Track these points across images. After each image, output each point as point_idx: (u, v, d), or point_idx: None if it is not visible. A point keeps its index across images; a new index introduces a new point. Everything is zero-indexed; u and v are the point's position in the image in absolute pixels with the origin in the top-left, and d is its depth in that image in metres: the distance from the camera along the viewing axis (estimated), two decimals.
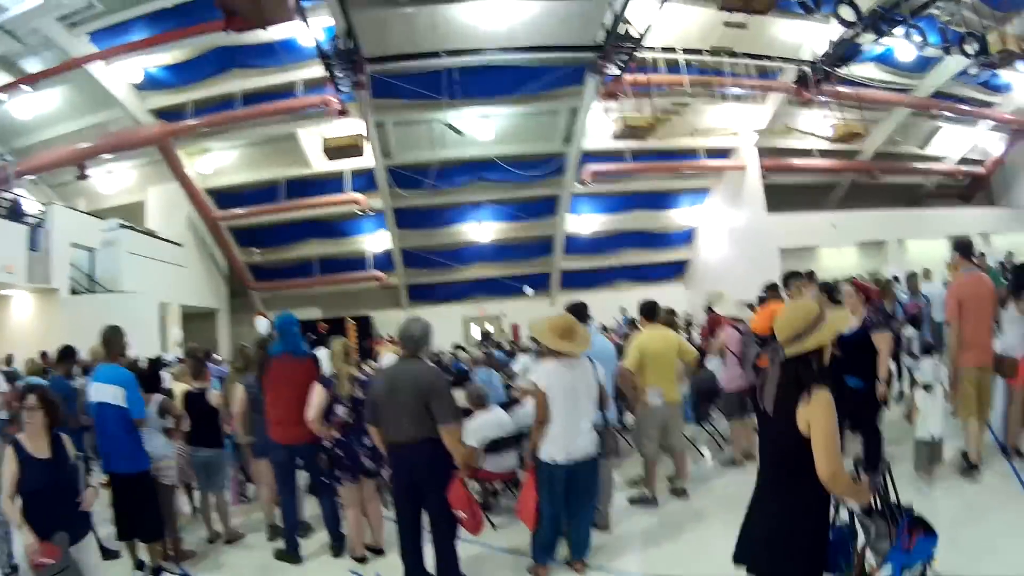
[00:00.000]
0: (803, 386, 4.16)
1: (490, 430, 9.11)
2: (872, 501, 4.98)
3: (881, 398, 8.54)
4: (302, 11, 17.52)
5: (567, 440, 6.83)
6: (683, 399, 10.31)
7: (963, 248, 9.26)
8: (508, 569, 7.47)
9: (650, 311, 9.61)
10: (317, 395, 7.70)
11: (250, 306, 30.96)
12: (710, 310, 17.41)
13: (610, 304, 27.94)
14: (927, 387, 8.64)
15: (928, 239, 35.32)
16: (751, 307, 14.79)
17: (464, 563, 6.87)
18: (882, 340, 8.43)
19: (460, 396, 9.30)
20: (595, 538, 7.63)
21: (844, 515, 4.81)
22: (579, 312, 8.13)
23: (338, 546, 8.17)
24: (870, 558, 4.92)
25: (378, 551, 7.99)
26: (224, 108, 24.00)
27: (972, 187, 42.60)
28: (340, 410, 7.78)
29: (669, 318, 10.89)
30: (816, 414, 4.06)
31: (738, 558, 4.63)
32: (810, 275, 12.53)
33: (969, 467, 8.49)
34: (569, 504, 6.99)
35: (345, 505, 7.99)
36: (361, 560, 7.84)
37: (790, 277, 9.91)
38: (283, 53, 23.09)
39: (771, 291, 11.45)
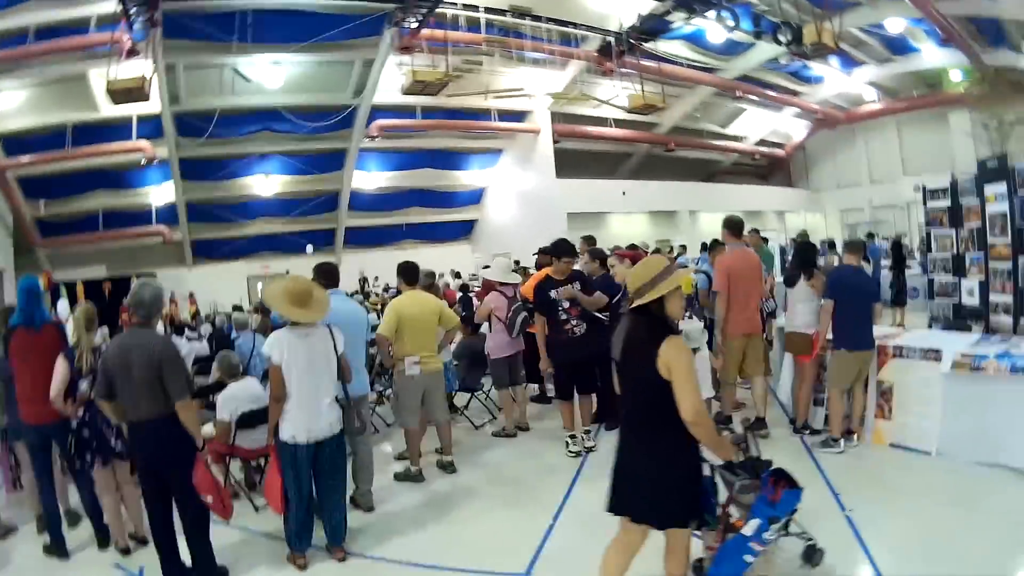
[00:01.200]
0: (654, 334, 4.43)
1: (242, 403, 8.24)
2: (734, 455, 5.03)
3: None
4: None
5: (307, 418, 6.32)
6: (447, 367, 9.95)
7: (732, 225, 9.95)
8: (267, 556, 6.76)
9: (409, 274, 8.94)
10: (59, 369, 6.74)
11: (37, 265, 28.29)
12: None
13: (395, 263, 27.25)
14: (695, 350, 8.36)
15: (720, 212, 36.13)
16: (522, 271, 14.46)
17: (223, 549, 6.42)
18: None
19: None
20: (357, 520, 7.31)
21: (705, 470, 4.79)
22: (328, 274, 7.71)
23: (102, 537, 7.19)
24: (734, 512, 5.03)
25: (143, 541, 7.06)
26: (17, 43, 21.46)
27: (770, 168, 45.79)
28: (83, 385, 6.83)
29: (429, 281, 10.55)
30: (673, 356, 4.33)
31: (615, 509, 4.75)
32: (589, 239, 12.61)
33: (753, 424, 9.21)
34: (318, 487, 6.58)
35: (100, 492, 7.06)
36: (125, 552, 6.96)
37: (563, 249, 9.38)
38: None
39: (543, 255, 11.18)
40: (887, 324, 14.75)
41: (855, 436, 8.91)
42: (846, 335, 8.66)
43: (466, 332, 12.02)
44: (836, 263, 14.66)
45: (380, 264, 22.09)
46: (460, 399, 12.00)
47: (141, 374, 5.67)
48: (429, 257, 30.74)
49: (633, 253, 9.78)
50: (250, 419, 8.15)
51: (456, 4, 22.40)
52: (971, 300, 12.02)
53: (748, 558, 4.92)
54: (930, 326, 12.88)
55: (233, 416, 8.09)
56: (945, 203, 12.75)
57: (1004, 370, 7.70)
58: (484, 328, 11.41)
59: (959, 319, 11.99)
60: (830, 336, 8.97)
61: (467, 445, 10.13)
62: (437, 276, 26.05)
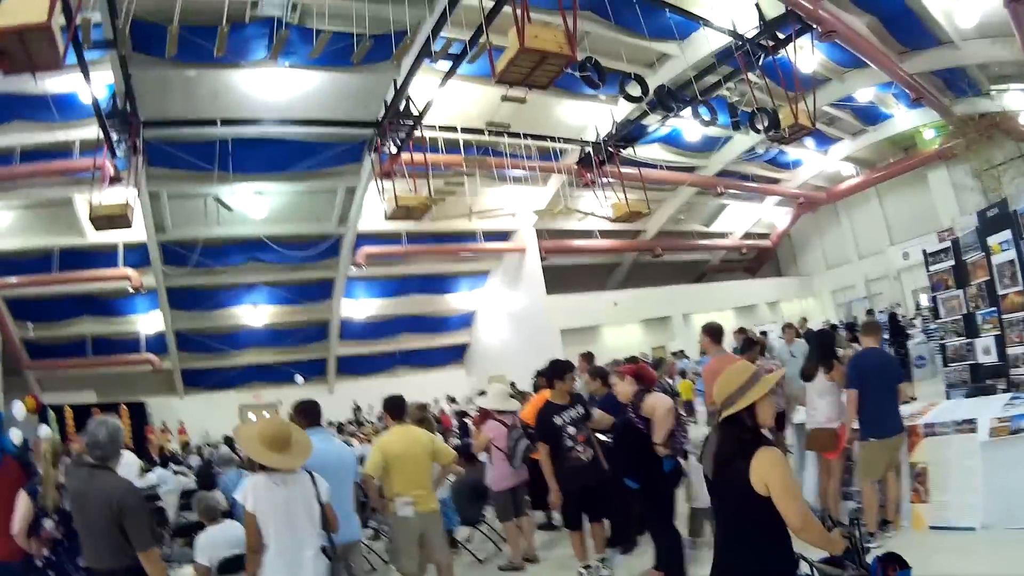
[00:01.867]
0: (745, 447, 4.20)
1: (220, 548, 7.77)
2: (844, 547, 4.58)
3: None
4: (84, 64, 16.09)
5: (289, 571, 5.87)
6: (445, 503, 9.69)
7: (712, 332, 10.26)
8: None
9: (395, 408, 8.51)
10: (21, 504, 6.46)
11: (25, 387, 27.92)
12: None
13: (389, 391, 27.01)
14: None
15: (714, 312, 36.49)
16: (520, 395, 14.23)
17: None
18: (655, 406, 8.15)
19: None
20: None
21: (803, 567, 4.51)
22: (308, 412, 7.34)
23: None
24: None
25: None
26: (3, 163, 21.29)
27: (758, 260, 45.76)
28: (47, 524, 6.48)
29: (420, 414, 10.12)
30: (769, 470, 4.09)
31: None
32: (588, 357, 12.86)
33: None
34: None
35: None
36: None
37: (562, 368, 9.10)
38: (66, 109, 20.43)
39: (542, 378, 10.91)
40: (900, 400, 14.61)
41: (891, 525, 8.57)
42: (874, 423, 8.35)
43: (463, 464, 11.52)
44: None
45: (374, 392, 21.69)
46: (462, 531, 11.61)
47: (100, 523, 5.35)
48: (423, 384, 30.95)
49: (635, 367, 9.44)
50: (233, 565, 7.62)
51: (434, 127, 22.35)
52: (988, 358, 11.66)
53: None
54: (948, 396, 12.36)
55: (212, 562, 7.69)
56: (949, 263, 12.65)
57: None
58: (483, 456, 11.03)
59: (978, 382, 11.59)
60: (855, 425, 8.63)
61: None
62: (432, 402, 25.91)
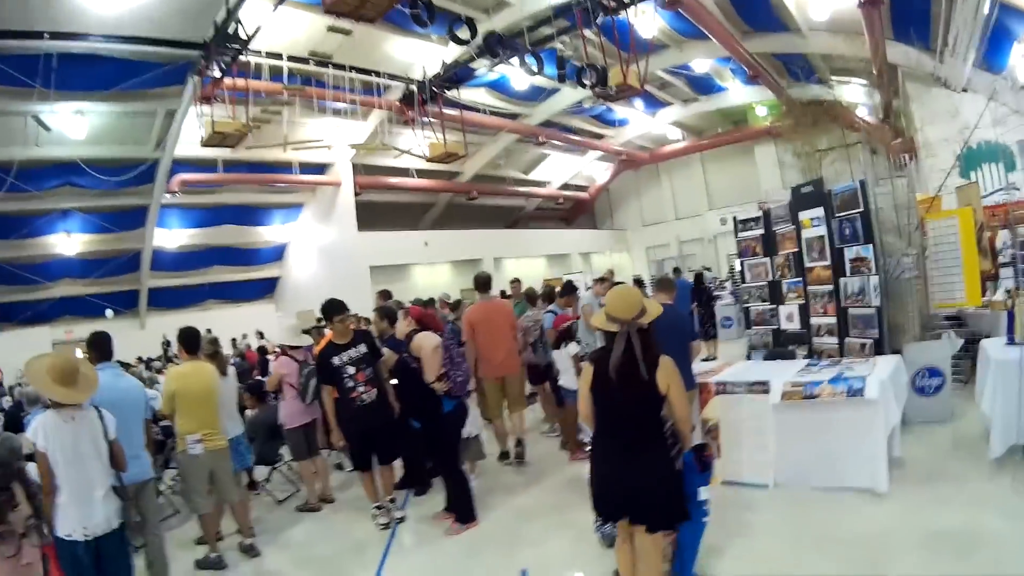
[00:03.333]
0: (651, 354, 5.22)
1: None
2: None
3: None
4: None
5: (81, 512, 5.60)
6: (239, 441, 9.38)
7: (477, 282, 11.35)
8: None
9: (189, 341, 8.37)
10: None
11: None
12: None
13: (202, 326, 26.13)
14: (469, 393, 9.82)
15: (525, 258, 36.69)
16: (312, 330, 14.10)
17: None
18: (422, 345, 8.52)
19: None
20: None
21: None
22: (99, 346, 7.06)
23: None
24: None
25: None
26: None
27: (574, 210, 46.54)
28: None
29: (213, 349, 9.92)
30: (672, 373, 5.24)
31: (614, 514, 5.48)
32: (384, 294, 13.61)
33: (513, 459, 10.84)
34: None
35: None
36: None
37: (330, 309, 8.94)
38: None
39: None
40: (699, 358, 14.92)
41: None
42: None
43: (257, 402, 11.65)
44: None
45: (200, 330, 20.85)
46: (260, 472, 11.36)
47: None
48: (233, 318, 30.20)
49: (420, 309, 9.66)
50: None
51: (260, 53, 21.43)
52: (791, 325, 12.62)
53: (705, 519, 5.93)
54: (749, 356, 13.11)
55: None
56: (759, 232, 13.37)
57: (841, 394, 7.90)
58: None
59: (780, 346, 12.36)
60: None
61: (270, 523, 9.73)
62: (241, 337, 25.25)
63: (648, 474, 5.19)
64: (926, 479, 7.97)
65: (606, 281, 14.00)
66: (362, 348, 8.72)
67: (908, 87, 22.76)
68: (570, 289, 12.41)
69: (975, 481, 7.62)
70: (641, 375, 5.11)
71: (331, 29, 17.67)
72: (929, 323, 11.90)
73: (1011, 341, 8.36)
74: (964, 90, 18.67)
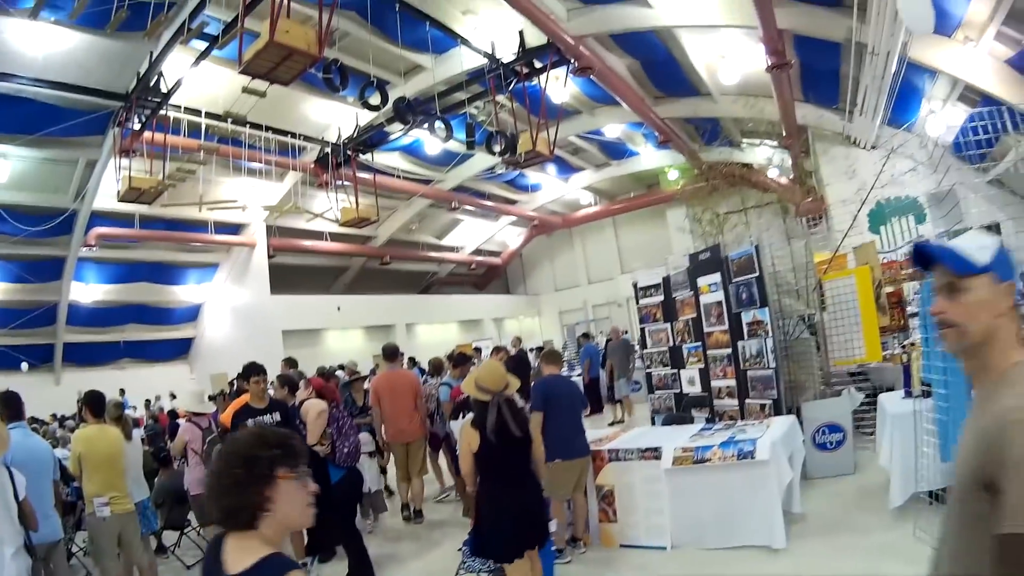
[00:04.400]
0: (519, 415, 6.49)
1: None
2: None
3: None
4: None
5: None
6: (145, 506, 9.43)
7: (384, 352, 12.33)
8: None
9: (95, 403, 8.32)
10: None
11: None
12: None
13: (117, 386, 25.90)
14: (371, 454, 11.28)
15: (437, 324, 36.77)
16: (218, 396, 14.19)
17: None
18: (308, 410, 8.92)
19: None
20: None
21: None
22: (9, 404, 7.08)
23: None
24: None
25: None
26: None
27: (487, 276, 46.46)
28: None
29: (117, 412, 9.82)
30: (534, 426, 6.88)
31: (527, 544, 6.30)
32: (289, 362, 13.58)
33: (412, 515, 11.46)
34: None
35: None
36: None
37: (250, 369, 9.06)
38: None
39: (240, 380, 11.18)
40: (608, 423, 15.17)
41: (582, 543, 8.99)
42: (559, 445, 8.51)
43: (164, 468, 11.75)
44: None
45: (101, 385, 20.39)
46: (170, 537, 11.29)
47: None
48: (148, 378, 29.58)
49: (321, 380, 10.02)
50: None
51: (180, 108, 21.25)
52: (693, 389, 12.97)
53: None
54: (653, 421, 13.50)
55: None
56: (658, 298, 13.93)
57: (731, 457, 8.17)
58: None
59: (683, 409, 12.67)
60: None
61: None
62: (154, 399, 24.93)
63: (538, 498, 6.48)
64: (826, 532, 8.18)
65: (503, 350, 14.22)
66: (276, 416, 8.79)
67: (817, 147, 23.31)
68: (463, 360, 12.56)
69: (877, 531, 7.82)
70: (513, 432, 6.24)
71: (246, 90, 17.64)
72: (831, 380, 12.21)
73: (908, 394, 8.59)
74: (873, 147, 19.18)
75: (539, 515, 6.45)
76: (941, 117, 16.48)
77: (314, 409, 8.71)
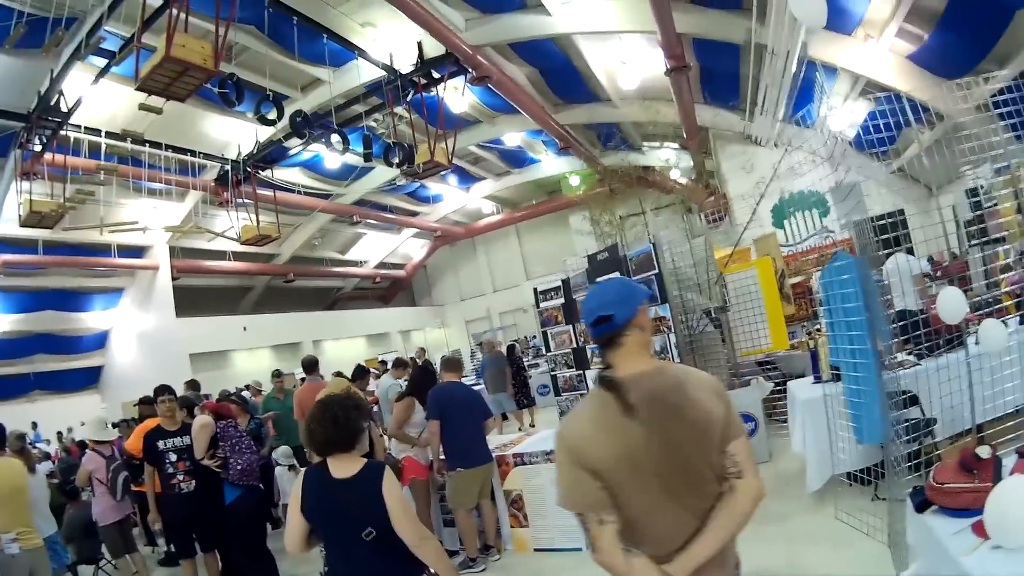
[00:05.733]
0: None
1: None
2: None
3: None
4: None
5: None
6: (52, 540, 8.87)
7: (306, 365, 12.64)
8: None
9: None
10: None
11: None
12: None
13: (28, 420, 25.57)
14: (291, 467, 11.57)
15: (344, 339, 36.64)
16: (121, 423, 14.10)
17: None
18: (195, 425, 8.80)
19: None
20: None
21: None
22: None
23: None
24: None
25: None
26: None
27: (393, 289, 46.56)
28: None
29: (20, 444, 9.82)
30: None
31: None
32: (192, 384, 13.58)
33: None
34: None
35: None
36: None
37: (157, 391, 9.23)
38: None
39: (144, 405, 11.39)
40: (516, 429, 15.31)
41: (495, 550, 9.07)
42: (460, 454, 8.76)
43: (72, 500, 11.49)
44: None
45: (14, 419, 19.52)
46: (85, 572, 11.13)
47: None
48: (59, 410, 28.85)
49: (216, 405, 9.80)
50: None
51: (80, 127, 20.53)
52: None
53: None
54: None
55: None
56: (559, 301, 14.20)
57: None
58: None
59: None
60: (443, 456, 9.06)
61: None
62: (66, 431, 24.45)
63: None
64: None
65: (401, 365, 14.31)
66: (187, 439, 8.80)
67: (718, 146, 23.65)
68: (361, 372, 12.71)
69: (797, 516, 8.02)
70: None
71: (142, 107, 17.34)
72: (739, 371, 12.43)
73: (818, 379, 8.81)
74: (776, 145, 19.54)
75: None
76: (843, 113, 16.86)
77: (197, 423, 8.71)
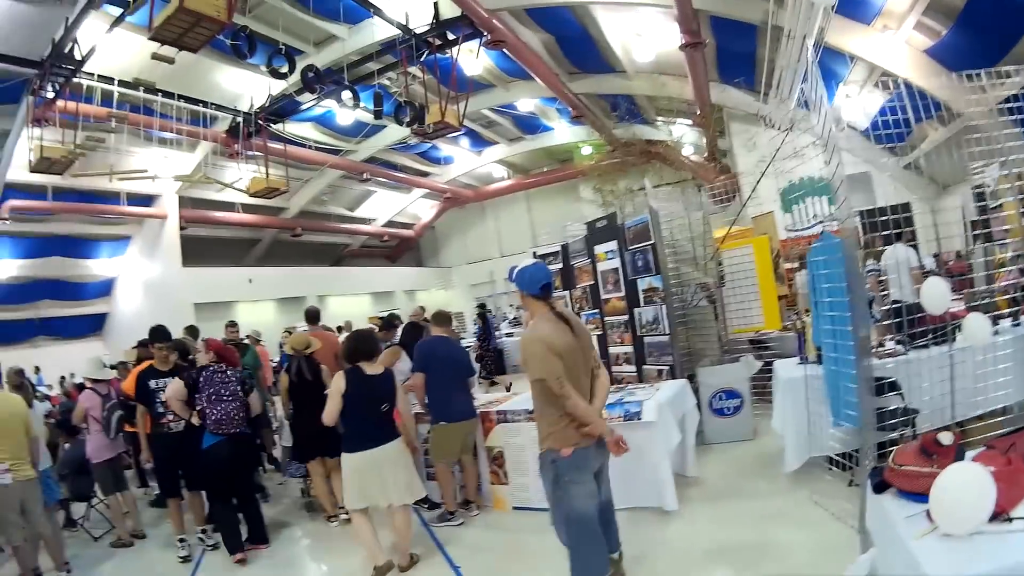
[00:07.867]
0: (315, 367, 9.82)
1: None
2: None
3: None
4: None
5: None
6: (48, 476, 9.40)
7: (309, 316, 13.45)
8: None
9: None
10: None
11: None
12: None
13: (32, 365, 25.41)
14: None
15: (350, 295, 36.67)
16: (118, 365, 14.89)
17: None
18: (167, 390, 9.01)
19: None
20: None
21: None
22: None
23: None
24: None
25: None
26: None
27: (399, 248, 46.51)
28: None
29: (18, 380, 10.13)
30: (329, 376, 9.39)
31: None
32: (191, 330, 13.51)
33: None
34: None
35: None
36: None
37: (154, 335, 9.52)
38: None
39: (141, 348, 11.45)
40: (499, 391, 15.40)
41: (474, 505, 9.37)
42: (442, 408, 9.02)
43: (67, 437, 11.73)
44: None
45: (17, 363, 19.70)
46: (78, 509, 11.32)
47: None
48: (64, 355, 28.75)
49: (219, 344, 9.69)
50: None
51: (93, 76, 20.63)
52: None
53: None
54: None
55: None
56: (557, 266, 14.17)
57: (618, 419, 8.32)
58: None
59: None
60: (419, 410, 9.57)
61: (85, 559, 9.63)
62: (69, 376, 24.61)
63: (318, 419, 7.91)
64: (721, 496, 8.51)
65: (393, 326, 14.40)
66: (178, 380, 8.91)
67: (732, 126, 23.59)
68: (388, 325, 13.11)
69: (770, 496, 8.12)
70: (305, 375, 9.65)
71: (155, 56, 17.28)
72: (730, 347, 12.53)
73: (803, 360, 8.87)
74: (789, 129, 19.49)
75: (329, 430, 7.89)
76: (857, 101, 16.83)
77: (169, 390, 8.86)
